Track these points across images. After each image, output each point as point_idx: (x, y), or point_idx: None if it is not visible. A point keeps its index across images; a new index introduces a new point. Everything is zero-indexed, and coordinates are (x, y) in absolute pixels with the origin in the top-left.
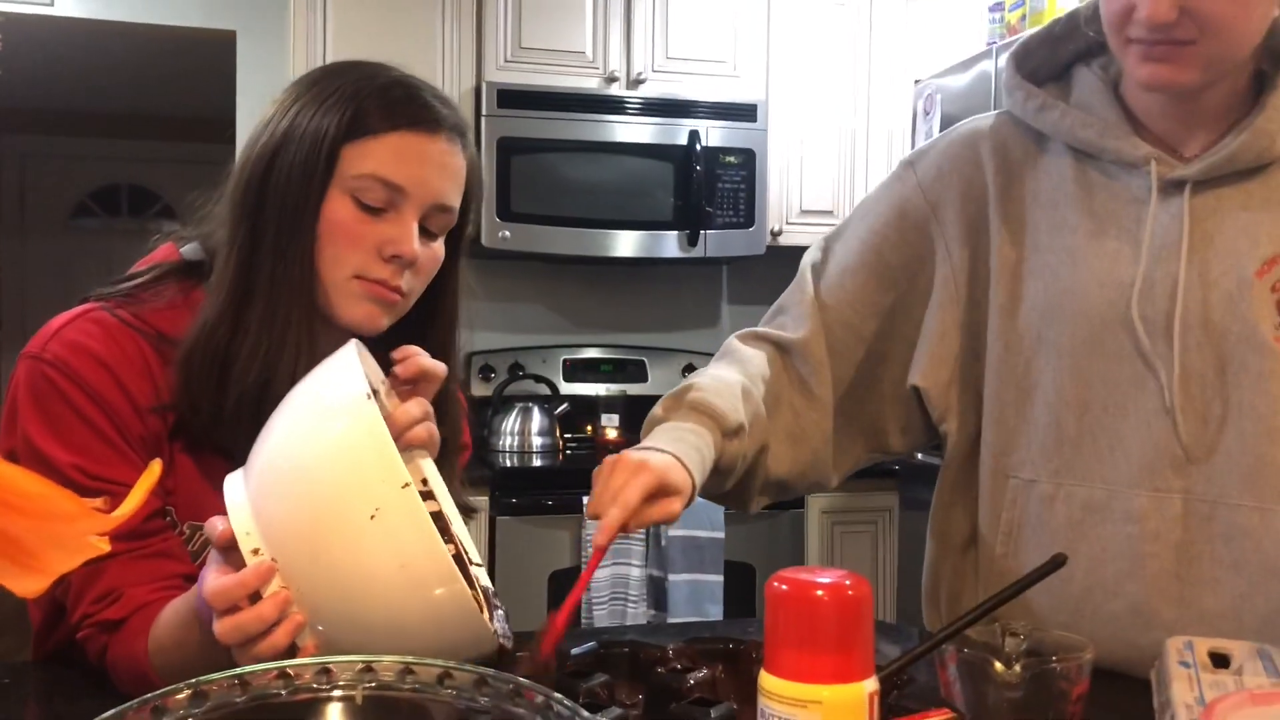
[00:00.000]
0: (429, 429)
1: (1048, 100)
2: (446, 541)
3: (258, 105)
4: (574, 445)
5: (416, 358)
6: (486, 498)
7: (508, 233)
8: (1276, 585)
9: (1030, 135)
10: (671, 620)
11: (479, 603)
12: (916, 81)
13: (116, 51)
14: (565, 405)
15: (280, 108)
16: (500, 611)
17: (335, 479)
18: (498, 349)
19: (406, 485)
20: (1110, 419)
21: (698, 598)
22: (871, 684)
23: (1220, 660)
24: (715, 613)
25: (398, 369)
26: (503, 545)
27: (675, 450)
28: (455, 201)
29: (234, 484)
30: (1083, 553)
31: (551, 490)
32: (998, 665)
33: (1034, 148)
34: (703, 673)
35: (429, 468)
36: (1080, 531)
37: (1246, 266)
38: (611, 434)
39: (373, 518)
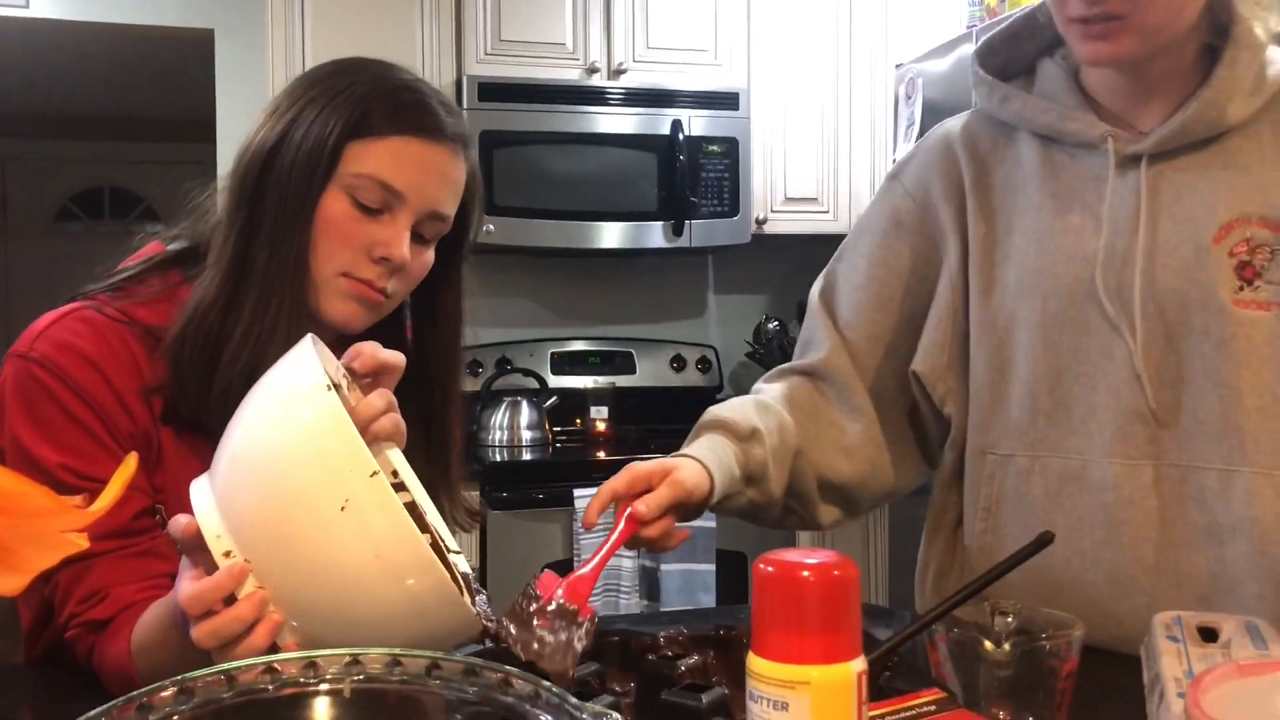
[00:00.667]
0: (394, 420)
1: (1010, 91)
2: (421, 531)
3: (238, 104)
4: (563, 438)
5: (372, 352)
6: (477, 492)
7: (491, 226)
8: (1246, 545)
9: (999, 127)
10: (664, 609)
11: (459, 588)
12: (898, 66)
13: (94, 53)
14: (554, 398)
15: (287, 100)
16: (482, 596)
17: (302, 473)
18: (484, 344)
19: (375, 473)
20: (1082, 389)
21: (690, 587)
22: (860, 664)
23: (1209, 634)
24: (708, 601)
25: (355, 364)
26: (494, 539)
27: (680, 452)
28: (451, 210)
29: (200, 487)
30: (1060, 524)
31: (542, 483)
32: (988, 644)
33: (1002, 139)
34: (694, 659)
35: (398, 459)
36: (1057, 503)
37: (1204, 233)
38: (601, 426)
39: (343, 509)
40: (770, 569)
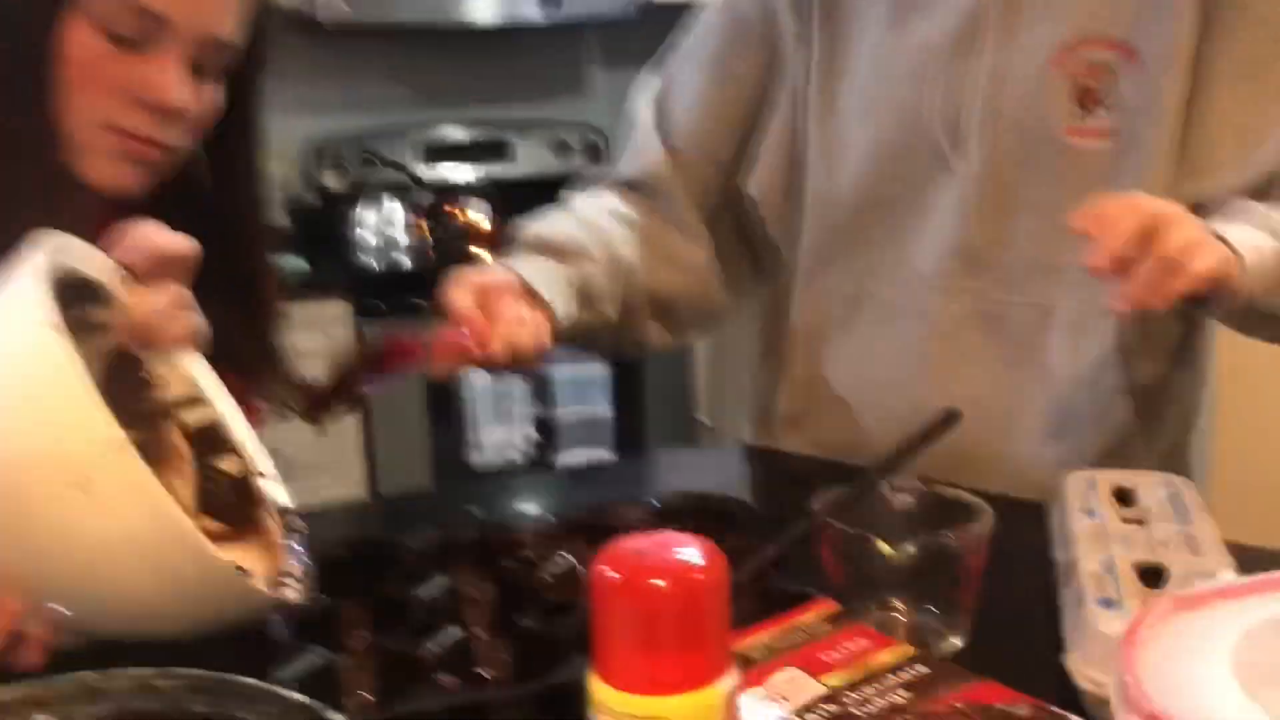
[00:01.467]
0: (183, 320)
1: None
2: (226, 453)
3: None
4: (440, 237)
5: (143, 240)
6: (348, 303)
7: (344, 4)
8: (1053, 382)
9: None
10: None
11: (272, 529)
12: None
13: None
14: (428, 194)
15: None
16: (297, 537)
17: (27, 441)
18: (346, 135)
19: (119, 442)
20: (911, 219)
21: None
22: (729, 681)
23: (1125, 497)
24: (603, 403)
25: (125, 258)
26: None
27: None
28: (234, 33)
29: None
30: (882, 353)
31: (418, 289)
32: (883, 545)
33: None
34: (560, 564)
35: (195, 365)
36: (878, 332)
37: (1044, 54)
38: (477, 219)
39: (82, 488)
40: (614, 575)
